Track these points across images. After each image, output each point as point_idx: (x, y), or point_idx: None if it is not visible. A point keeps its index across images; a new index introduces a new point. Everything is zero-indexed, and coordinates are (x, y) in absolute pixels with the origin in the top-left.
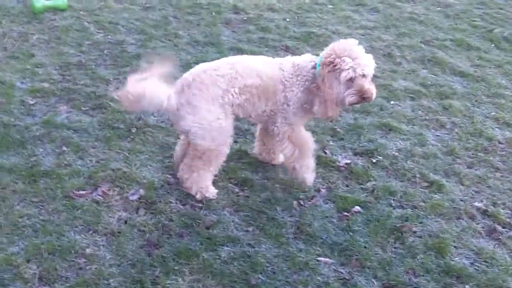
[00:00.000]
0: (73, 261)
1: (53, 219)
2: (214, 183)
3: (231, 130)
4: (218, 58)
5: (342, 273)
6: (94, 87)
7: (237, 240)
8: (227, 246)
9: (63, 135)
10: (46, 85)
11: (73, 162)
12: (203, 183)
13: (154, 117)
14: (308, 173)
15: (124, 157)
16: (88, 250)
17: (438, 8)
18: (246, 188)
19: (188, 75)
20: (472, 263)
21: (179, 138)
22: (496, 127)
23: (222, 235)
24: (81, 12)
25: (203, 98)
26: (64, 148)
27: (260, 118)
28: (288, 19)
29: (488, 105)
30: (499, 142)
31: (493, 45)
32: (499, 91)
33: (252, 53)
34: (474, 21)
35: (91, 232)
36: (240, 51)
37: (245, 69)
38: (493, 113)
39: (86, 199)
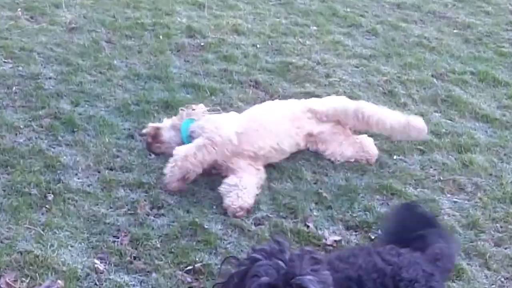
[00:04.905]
0: None
1: None
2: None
3: None
4: (165, 97)
5: None
6: None
7: None
8: None
9: None
10: None
11: None
12: None
13: (78, 178)
14: None
15: (36, 234)
16: None
17: (455, 31)
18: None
19: None
20: None
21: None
22: None
23: None
24: None
25: None
26: None
27: None
28: (258, 45)
29: None
30: None
31: None
32: None
33: (211, 90)
34: (502, 47)
35: None
36: (195, 88)
37: None
38: None
39: None
